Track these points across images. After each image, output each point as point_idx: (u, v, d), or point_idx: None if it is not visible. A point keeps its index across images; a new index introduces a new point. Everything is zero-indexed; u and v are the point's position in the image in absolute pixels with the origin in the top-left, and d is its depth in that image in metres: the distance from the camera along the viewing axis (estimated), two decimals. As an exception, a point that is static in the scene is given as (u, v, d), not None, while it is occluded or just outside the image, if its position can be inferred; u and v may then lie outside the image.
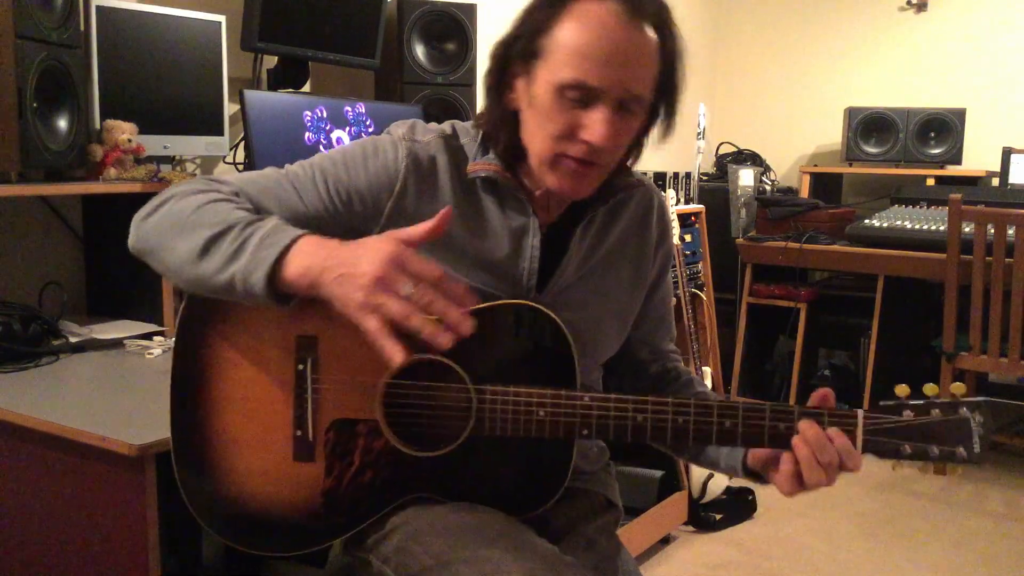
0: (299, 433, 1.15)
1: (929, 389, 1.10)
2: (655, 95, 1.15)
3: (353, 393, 1.14)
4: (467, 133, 1.24)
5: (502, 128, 1.19)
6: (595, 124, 1.10)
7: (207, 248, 1.07)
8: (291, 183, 1.18)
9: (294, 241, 1.05)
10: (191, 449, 1.18)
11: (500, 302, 1.14)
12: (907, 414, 1.09)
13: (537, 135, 1.15)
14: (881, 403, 1.11)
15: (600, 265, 1.27)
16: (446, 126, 1.25)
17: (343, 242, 1.06)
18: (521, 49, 1.14)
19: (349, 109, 2.44)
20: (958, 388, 1.10)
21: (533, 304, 1.13)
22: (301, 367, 1.14)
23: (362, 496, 1.15)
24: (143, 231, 1.15)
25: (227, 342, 1.16)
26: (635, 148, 1.23)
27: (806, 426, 1.10)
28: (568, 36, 1.09)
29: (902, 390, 1.11)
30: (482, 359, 1.12)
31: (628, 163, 1.26)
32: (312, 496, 1.16)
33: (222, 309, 1.16)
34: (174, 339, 1.19)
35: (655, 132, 1.22)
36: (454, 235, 1.18)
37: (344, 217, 1.18)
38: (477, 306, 1.11)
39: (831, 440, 1.09)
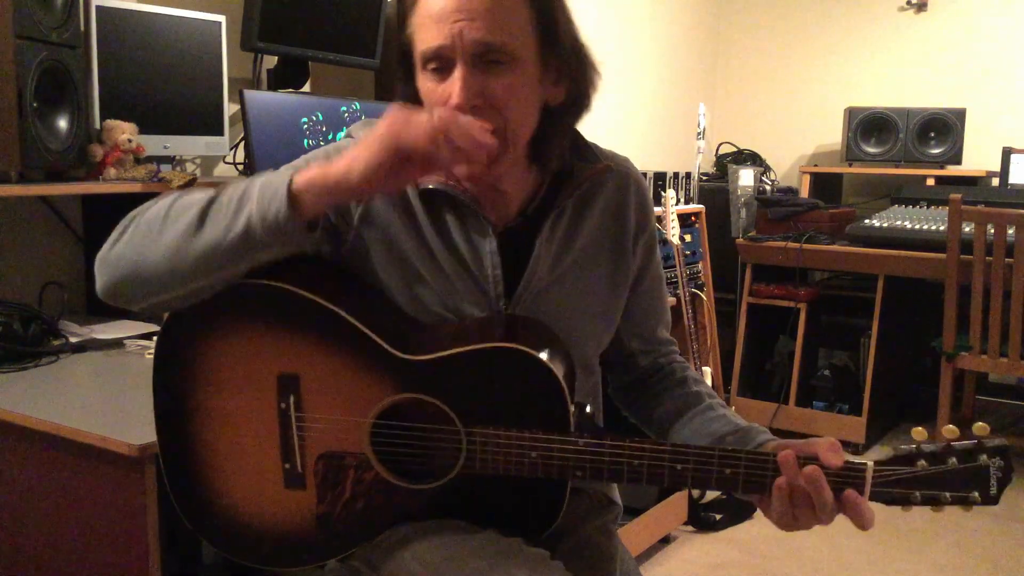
0: (288, 465, 1.13)
1: (948, 432, 1.03)
2: (539, 43, 1.10)
3: (340, 430, 1.11)
4: None
5: None
6: (451, 86, 1.06)
7: (202, 218, 1.03)
8: None
9: (296, 172, 1.02)
10: (182, 475, 1.16)
11: (486, 345, 1.09)
12: (921, 464, 1.03)
13: None
14: (895, 451, 1.04)
15: (575, 264, 1.21)
16: None
17: None
18: (405, 51, 1.13)
19: (346, 109, 2.43)
20: (981, 429, 1.04)
21: (520, 347, 1.07)
22: (283, 406, 1.12)
23: (356, 521, 1.14)
24: (112, 261, 1.08)
25: (207, 378, 1.13)
26: (572, 110, 1.17)
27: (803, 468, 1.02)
28: (413, 20, 1.09)
29: (919, 434, 1.04)
30: (472, 399, 1.08)
31: (569, 126, 1.19)
32: (307, 520, 1.14)
33: (200, 343, 1.13)
34: (152, 372, 1.15)
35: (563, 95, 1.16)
36: (427, 241, 1.16)
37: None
38: (461, 348, 1.08)
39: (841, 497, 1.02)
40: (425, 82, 1.10)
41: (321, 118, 2.34)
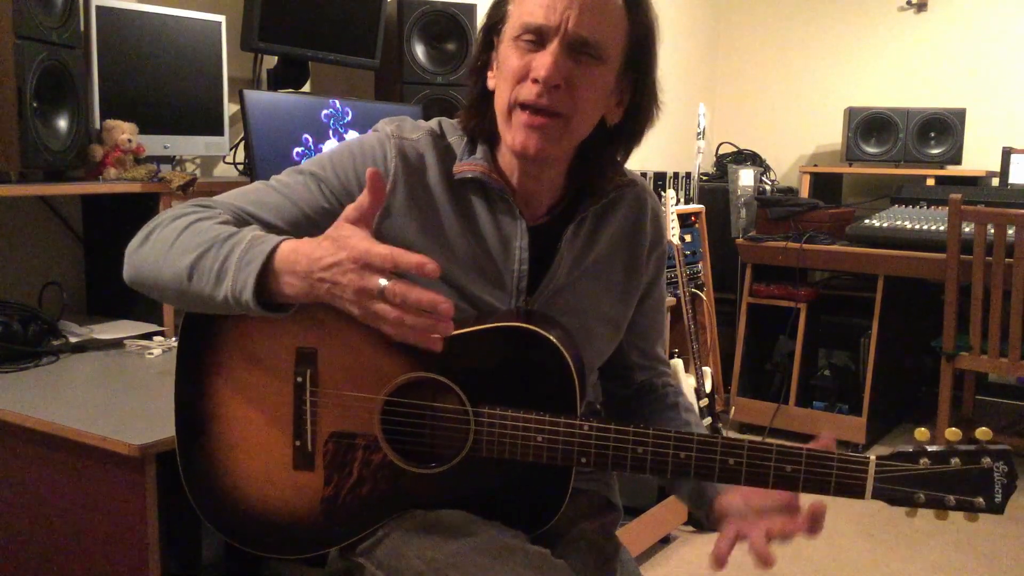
0: (298, 443, 1.15)
1: (951, 434, 1.03)
2: (624, 63, 1.16)
3: (352, 407, 1.13)
4: (454, 131, 1.23)
5: (478, 108, 1.19)
6: (542, 59, 1.10)
7: (191, 272, 1.06)
8: (281, 192, 1.17)
9: (271, 253, 1.03)
10: (195, 450, 1.18)
11: (499, 324, 1.12)
12: (924, 462, 1.03)
13: (499, 92, 1.15)
14: (898, 449, 1.05)
15: (591, 269, 1.25)
16: (434, 124, 1.24)
17: (313, 240, 1.04)
18: (495, 21, 1.17)
19: (327, 111, 2.39)
20: (983, 434, 1.03)
21: (535, 328, 1.10)
22: (300, 379, 1.14)
23: (360, 507, 1.15)
24: (135, 263, 1.13)
25: (229, 349, 1.16)
26: (624, 138, 1.22)
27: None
28: None
29: (922, 434, 1.04)
30: (482, 379, 1.11)
31: (616, 156, 1.24)
32: (312, 504, 1.16)
33: (223, 316, 1.15)
34: (177, 342, 1.18)
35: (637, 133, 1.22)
36: (447, 235, 1.18)
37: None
38: (476, 327, 1.11)
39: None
40: (511, 52, 1.13)
41: (311, 140, 2.32)
